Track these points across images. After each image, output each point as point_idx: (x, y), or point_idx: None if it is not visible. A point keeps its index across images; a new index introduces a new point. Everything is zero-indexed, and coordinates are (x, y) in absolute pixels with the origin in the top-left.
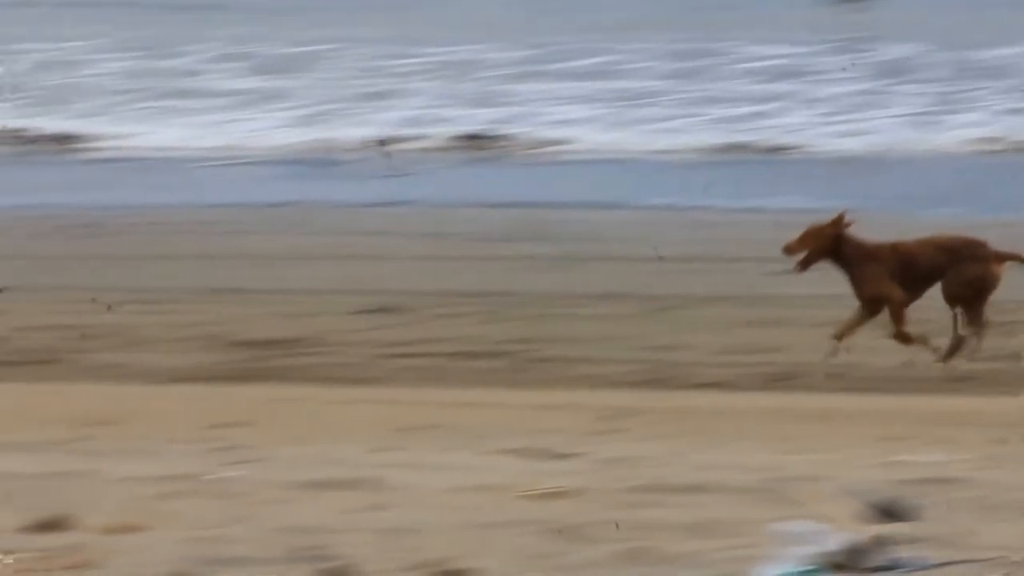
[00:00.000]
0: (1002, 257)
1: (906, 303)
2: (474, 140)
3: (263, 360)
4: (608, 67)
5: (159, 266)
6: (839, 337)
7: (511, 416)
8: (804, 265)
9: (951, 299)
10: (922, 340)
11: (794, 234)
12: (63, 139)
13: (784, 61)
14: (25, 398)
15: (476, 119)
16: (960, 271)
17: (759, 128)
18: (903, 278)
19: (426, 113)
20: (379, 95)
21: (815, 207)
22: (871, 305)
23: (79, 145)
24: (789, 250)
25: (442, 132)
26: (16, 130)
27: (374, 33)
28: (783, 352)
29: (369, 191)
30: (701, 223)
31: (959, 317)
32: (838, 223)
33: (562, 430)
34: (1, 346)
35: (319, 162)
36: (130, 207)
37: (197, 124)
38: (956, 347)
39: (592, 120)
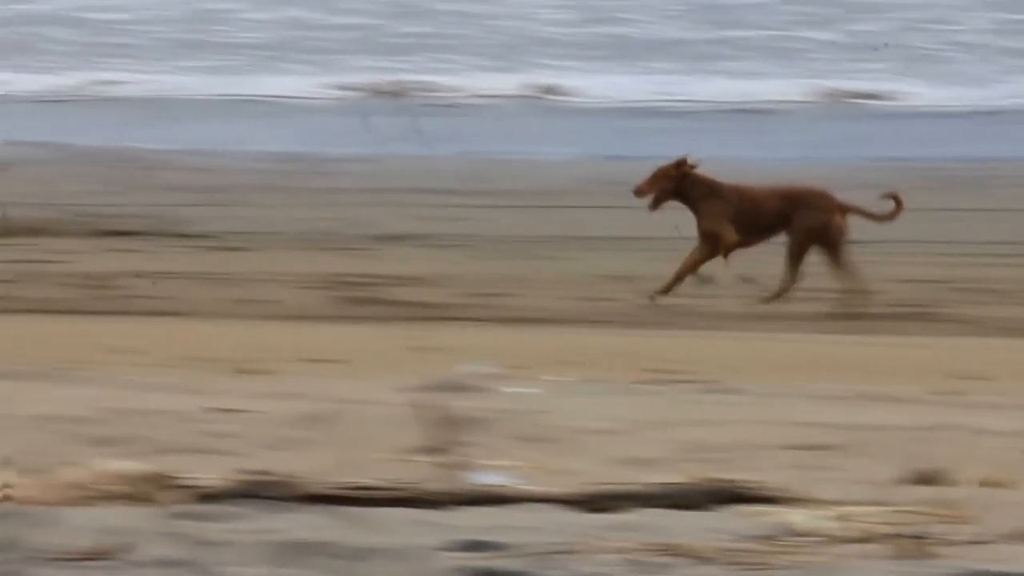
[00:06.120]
0: (845, 208)
1: (736, 246)
2: None
3: None
4: None
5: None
6: (677, 278)
7: None
8: (655, 205)
9: (794, 246)
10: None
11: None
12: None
13: None
14: (898, 350)
15: None
16: (802, 220)
17: None
18: (745, 222)
19: None
20: None
21: None
22: (707, 240)
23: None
24: (639, 192)
25: None
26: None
27: None
28: None
29: None
30: None
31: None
32: (680, 165)
33: None
34: (874, 299)
35: None
36: (995, 160)
37: None
38: (782, 292)
39: None
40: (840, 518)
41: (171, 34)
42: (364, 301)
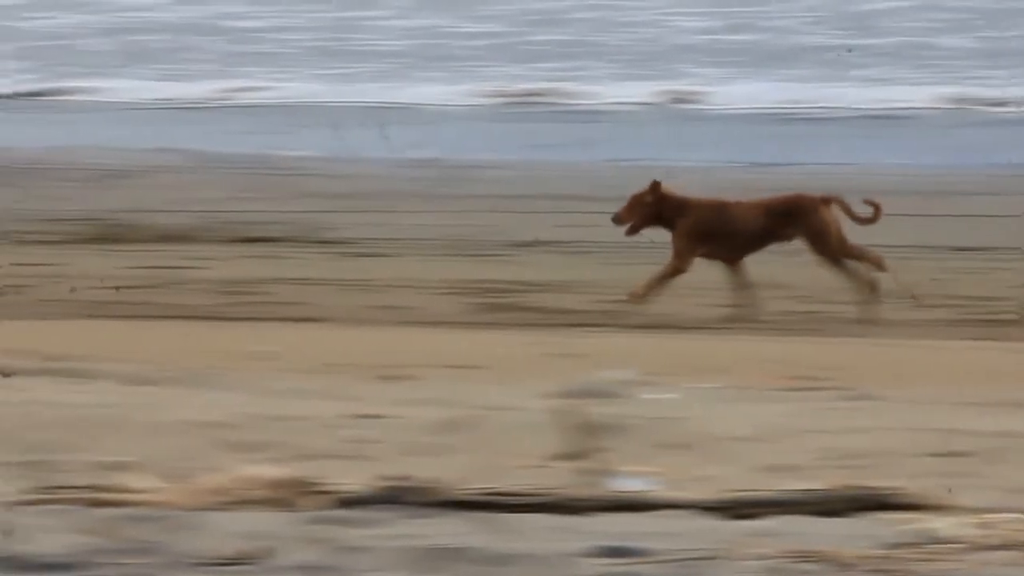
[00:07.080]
0: (828, 200)
1: (683, 269)
2: None
3: None
4: None
5: None
6: (642, 292)
7: None
8: (633, 231)
9: (819, 254)
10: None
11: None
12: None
13: None
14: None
15: None
16: (805, 228)
17: None
18: (728, 236)
19: None
20: None
21: None
22: (677, 256)
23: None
24: (618, 220)
25: None
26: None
27: None
28: None
29: None
30: None
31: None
32: (655, 189)
33: None
34: (994, 307)
35: None
36: None
37: None
38: (867, 290)
39: None
40: (982, 525)
41: (309, 42)
42: (502, 307)
